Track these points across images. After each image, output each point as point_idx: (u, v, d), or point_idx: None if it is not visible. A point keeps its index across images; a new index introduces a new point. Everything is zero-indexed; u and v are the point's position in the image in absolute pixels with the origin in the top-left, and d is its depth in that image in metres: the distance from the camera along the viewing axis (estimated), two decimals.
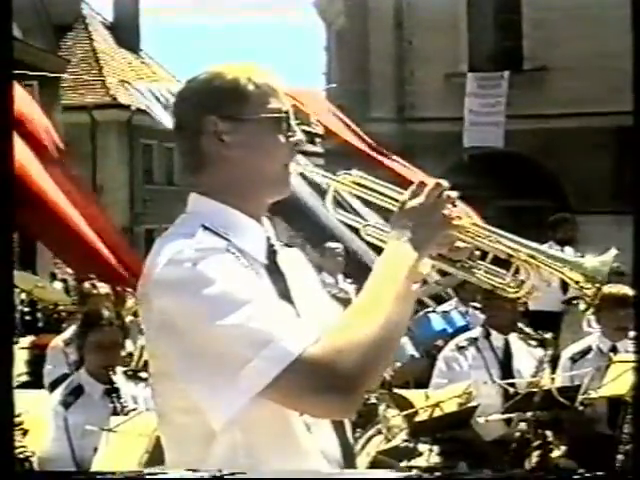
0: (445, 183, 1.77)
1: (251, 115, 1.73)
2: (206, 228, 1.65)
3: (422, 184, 1.76)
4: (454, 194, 1.76)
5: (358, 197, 1.85)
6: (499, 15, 17.89)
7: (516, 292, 1.86)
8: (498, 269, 1.86)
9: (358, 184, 1.84)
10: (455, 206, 1.76)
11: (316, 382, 1.48)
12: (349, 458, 1.74)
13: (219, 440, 1.59)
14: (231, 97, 1.73)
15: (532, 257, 1.81)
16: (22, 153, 6.16)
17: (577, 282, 1.79)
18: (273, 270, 1.73)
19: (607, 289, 5.40)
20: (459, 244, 1.81)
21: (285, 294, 1.71)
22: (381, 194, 1.82)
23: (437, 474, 1.74)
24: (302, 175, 1.97)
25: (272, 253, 1.77)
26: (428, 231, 1.71)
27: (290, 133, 1.77)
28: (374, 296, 1.60)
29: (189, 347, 1.54)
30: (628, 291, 5.01)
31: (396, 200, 1.78)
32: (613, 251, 1.83)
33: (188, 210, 1.77)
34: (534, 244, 1.83)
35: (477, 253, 1.85)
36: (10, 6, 2.08)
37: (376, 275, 1.64)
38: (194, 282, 1.54)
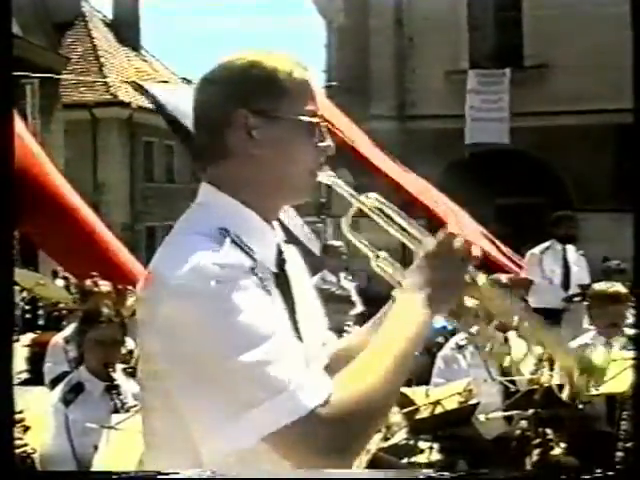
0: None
1: (287, 114, 1.60)
2: (226, 234, 1.52)
3: (452, 235, 1.63)
4: (478, 252, 1.68)
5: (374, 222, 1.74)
6: (499, 12, 17.88)
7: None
8: (500, 334, 1.79)
9: (379, 209, 1.71)
10: (479, 267, 1.67)
11: (323, 442, 1.41)
12: None
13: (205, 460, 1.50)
14: (268, 91, 1.60)
15: (538, 337, 1.77)
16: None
17: (569, 370, 1.75)
18: (282, 280, 1.64)
19: (598, 286, 5.44)
20: (468, 302, 1.71)
21: (291, 306, 1.63)
22: (397, 224, 1.70)
23: (447, 474, 1.71)
24: None
25: (282, 261, 1.68)
26: (448, 292, 1.61)
27: (321, 138, 1.66)
28: (385, 352, 1.51)
29: (198, 371, 1.43)
30: (619, 288, 5.09)
31: (411, 235, 1.68)
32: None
33: (199, 201, 1.65)
34: (541, 323, 1.78)
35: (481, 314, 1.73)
36: (10, 4, 2.07)
37: (387, 329, 1.56)
38: (217, 304, 1.42)
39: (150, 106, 8.32)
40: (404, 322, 1.55)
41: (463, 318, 1.72)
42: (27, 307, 11.60)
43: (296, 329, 1.62)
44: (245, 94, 1.59)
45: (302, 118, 1.62)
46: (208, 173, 1.66)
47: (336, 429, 1.41)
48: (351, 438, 1.43)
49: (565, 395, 1.72)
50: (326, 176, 1.69)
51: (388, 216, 1.70)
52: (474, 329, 1.74)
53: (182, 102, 7.61)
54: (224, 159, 1.62)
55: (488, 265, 8.56)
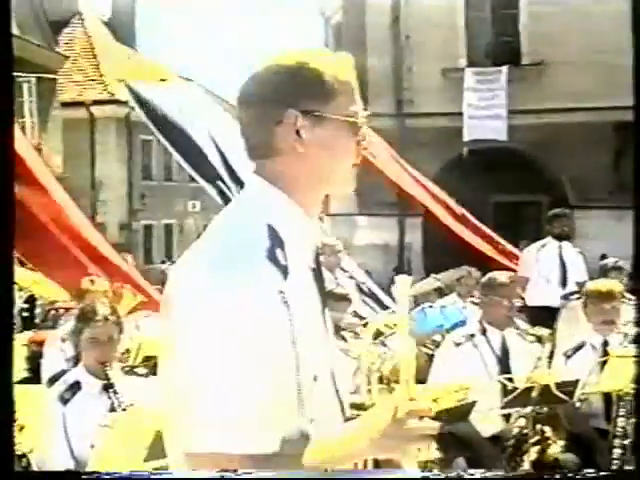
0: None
1: (333, 114, 1.70)
2: (270, 255, 1.60)
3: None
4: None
5: None
6: (497, 10, 17.87)
7: None
8: None
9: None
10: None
11: None
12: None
13: None
14: (315, 92, 1.69)
15: None
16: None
17: None
18: (318, 275, 1.74)
19: (592, 284, 5.46)
20: None
21: (324, 300, 1.74)
22: None
23: (450, 475, 1.73)
24: None
25: (318, 255, 1.77)
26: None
27: (362, 137, 1.75)
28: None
29: (184, 374, 1.54)
30: (613, 285, 5.12)
31: None
32: None
33: (247, 194, 1.74)
34: None
35: None
36: (9, 4, 2.07)
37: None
38: (235, 323, 1.52)
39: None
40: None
41: None
42: (24, 306, 11.57)
43: (324, 323, 1.74)
44: (295, 95, 1.69)
45: (347, 119, 1.71)
46: (256, 167, 1.75)
47: None
48: None
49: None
50: None
51: None
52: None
53: (167, 99, 7.64)
54: (273, 156, 1.71)
55: (487, 263, 8.57)
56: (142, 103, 7.72)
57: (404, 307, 1.72)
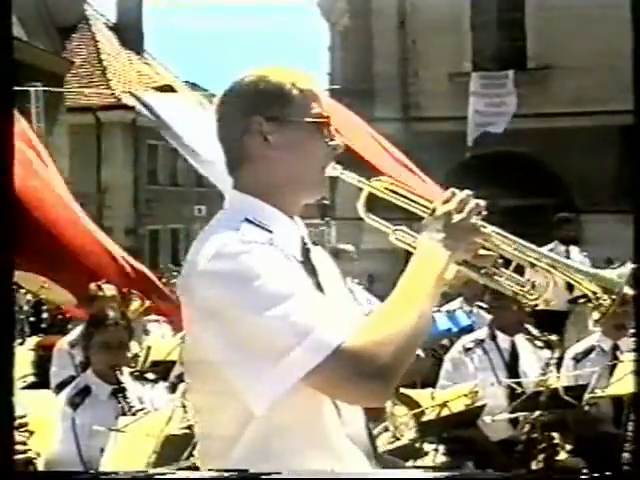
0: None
1: (295, 117, 1.81)
2: (249, 222, 1.73)
3: (453, 193, 1.86)
4: (482, 203, 1.85)
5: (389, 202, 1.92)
6: (503, 14, 17.87)
7: (536, 299, 1.93)
8: (519, 277, 1.93)
9: (389, 189, 1.92)
10: (482, 215, 1.85)
11: (355, 371, 1.58)
12: (373, 443, 1.86)
13: (250, 427, 1.68)
14: (276, 100, 1.80)
15: (552, 267, 1.88)
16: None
17: (595, 293, 1.87)
18: (308, 267, 1.79)
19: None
20: (483, 251, 1.89)
21: (319, 290, 1.78)
22: (411, 200, 1.90)
23: (456, 473, 1.77)
24: None
25: (306, 250, 1.84)
26: (458, 236, 1.80)
27: (329, 137, 1.85)
28: (408, 294, 1.69)
29: (235, 336, 1.63)
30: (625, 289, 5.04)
31: (424, 206, 1.87)
32: (630, 265, 1.90)
33: (227, 206, 1.85)
34: (554, 255, 1.91)
35: (500, 261, 1.92)
36: (10, 6, 2.08)
37: (409, 274, 1.73)
38: (241, 275, 1.62)
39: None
40: (425, 266, 1.74)
41: (483, 270, 1.90)
42: (32, 310, 11.60)
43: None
44: (257, 104, 1.80)
45: (309, 120, 1.81)
46: (233, 181, 1.86)
47: (366, 358, 1.58)
48: (383, 364, 1.58)
49: (596, 317, 1.91)
50: (333, 169, 1.87)
51: (398, 193, 1.91)
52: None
53: (175, 109, 7.69)
54: (245, 165, 1.83)
55: None
56: (151, 111, 7.75)
57: None
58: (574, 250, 8.24)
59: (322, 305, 1.66)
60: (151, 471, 3.25)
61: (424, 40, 17.55)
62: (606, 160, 16.12)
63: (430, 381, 5.31)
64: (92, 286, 6.24)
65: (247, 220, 1.73)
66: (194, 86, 27.45)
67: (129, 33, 28.89)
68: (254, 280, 1.61)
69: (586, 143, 16.15)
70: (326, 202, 19.47)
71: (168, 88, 26.38)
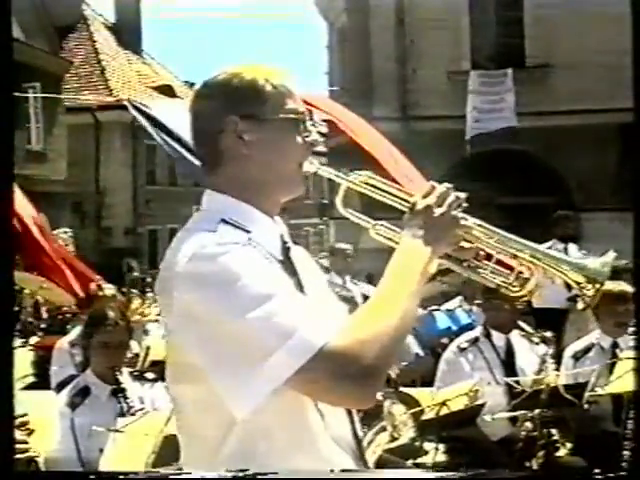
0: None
1: (270, 115, 1.78)
2: (226, 222, 1.70)
3: (433, 186, 1.83)
4: (463, 196, 1.83)
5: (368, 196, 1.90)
6: (501, 12, 17.85)
7: (519, 291, 1.91)
8: (502, 269, 1.91)
9: (368, 184, 1.89)
10: (462, 208, 1.83)
11: (340, 372, 1.54)
12: (359, 447, 1.81)
13: (235, 430, 1.64)
14: (250, 97, 1.77)
15: (535, 258, 1.86)
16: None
17: (578, 283, 1.86)
18: (287, 266, 1.76)
19: (606, 286, 5.39)
20: (465, 244, 1.86)
21: (299, 289, 1.74)
22: (390, 194, 1.87)
23: (460, 474, 1.76)
24: None
25: (286, 250, 1.81)
26: (440, 230, 1.78)
27: (306, 133, 1.82)
28: (391, 291, 1.67)
29: (215, 339, 1.59)
30: (625, 287, 5.04)
31: (404, 200, 1.84)
32: (612, 253, 1.89)
33: (204, 207, 1.82)
34: (536, 245, 1.89)
35: (482, 253, 1.90)
36: (9, 7, 2.07)
37: (392, 271, 1.71)
38: (219, 277, 1.59)
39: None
40: (408, 262, 1.72)
41: (465, 262, 1.88)
42: (31, 311, 11.57)
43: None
44: (231, 102, 1.77)
45: (283, 116, 1.79)
46: (209, 181, 1.82)
47: (350, 358, 1.54)
48: (367, 364, 1.55)
49: (580, 307, 1.89)
50: (310, 164, 1.84)
51: (377, 187, 1.88)
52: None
53: (171, 115, 7.72)
54: (221, 164, 1.79)
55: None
56: (148, 118, 7.79)
57: None
58: (572, 247, 8.24)
59: (304, 305, 1.63)
60: (151, 471, 3.25)
61: (422, 38, 17.52)
62: (605, 158, 16.11)
63: (430, 380, 5.31)
64: (92, 286, 6.26)
65: (223, 221, 1.70)
66: (193, 86, 27.45)
67: (127, 33, 28.88)
68: (234, 282, 1.58)
69: (585, 141, 16.13)
70: (325, 201, 19.46)
71: (167, 88, 26.38)
